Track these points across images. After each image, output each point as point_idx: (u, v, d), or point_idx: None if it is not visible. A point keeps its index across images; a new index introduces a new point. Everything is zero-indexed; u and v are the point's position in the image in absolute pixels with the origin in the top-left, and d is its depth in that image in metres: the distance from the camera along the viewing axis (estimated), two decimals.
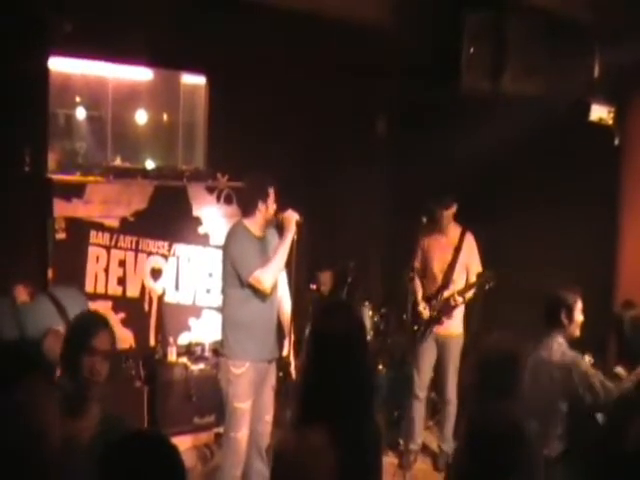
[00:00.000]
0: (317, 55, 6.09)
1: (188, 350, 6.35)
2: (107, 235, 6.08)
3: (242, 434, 4.75)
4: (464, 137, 5.82)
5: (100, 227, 6.04)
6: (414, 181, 6.57)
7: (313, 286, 6.80)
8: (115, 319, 6.10)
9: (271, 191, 4.74)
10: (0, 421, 2.16)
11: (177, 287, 6.49)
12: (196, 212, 6.51)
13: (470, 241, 5.88)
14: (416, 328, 5.90)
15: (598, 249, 5.73)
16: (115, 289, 6.16)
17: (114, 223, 6.10)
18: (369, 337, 6.26)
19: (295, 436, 2.56)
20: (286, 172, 5.80)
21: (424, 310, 5.88)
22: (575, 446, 4.09)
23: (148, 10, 5.53)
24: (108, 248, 6.10)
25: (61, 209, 5.84)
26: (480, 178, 6.06)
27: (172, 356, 6.18)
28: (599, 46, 4.99)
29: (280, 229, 4.79)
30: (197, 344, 6.41)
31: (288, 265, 4.79)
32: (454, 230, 5.91)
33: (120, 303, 6.16)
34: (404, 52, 5.16)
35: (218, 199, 6.58)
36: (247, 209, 4.81)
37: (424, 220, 6.09)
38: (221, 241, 5.02)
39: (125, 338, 6.14)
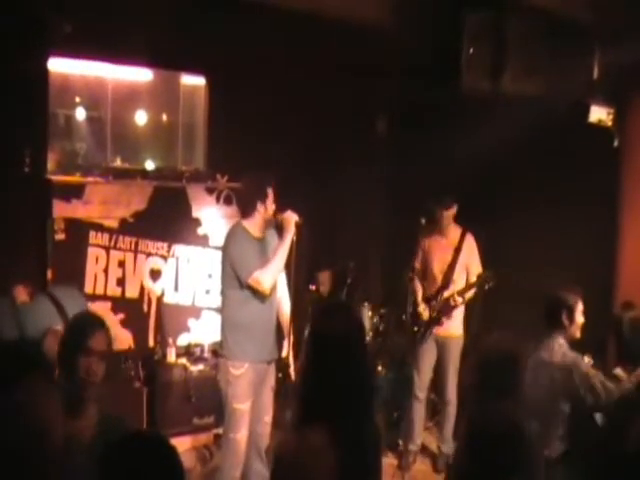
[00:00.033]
0: (317, 55, 6.09)
1: (187, 351, 6.34)
2: (106, 236, 6.08)
3: (241, 435, 4.75)
4: (464, 137, 5.82)
5: (99, 228, 6.03)
6: (414, 181, 6.57)
7: (312, 287, 6.80)
8: (114, 320, 6.10)
9: (270, 192, 4.73)
10: (1, 421, 2.16)
11: (176, 288, 6.48)
12: (196, 213, 6.51)
13: (470, 242, 5.88)
14: (416, 329, 5.90)
15: (597, 250, 5.73)
16: (114, 290, 6.15)
17: (113, 224, 6.10)
18: (368, 338, 6.26)
19: (295, 437, 2.56)
20: (286, 172, 5.79)
21: (424, 311, 5.88)
22: (575, 447, 4.09)
23: (147, 11, 5.53)
24: (107, 249, 6.09)
25: (60, 210, 5.83)
26: (480, 178, 6.06)
27: (171, 357, 6.17)
28: (599, 46, 4.99)
29: (279, 229, 4.78)
30: (196, 345, 6.40)
31: (287, 266, 4.79)
32: (454, 231, 5.90)
33: (119, 304, 6.16)
34: (404, 52, 5.16)
35: (218, 200, 6.57)
36: (246, 210, 4.81)
37: (423, 221, 6.09)
38: (221, 242, 5.01)
39: (124, 339, 6.13)
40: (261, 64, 6.19)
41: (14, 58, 5.29)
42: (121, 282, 6.18)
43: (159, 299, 6.37)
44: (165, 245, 6.37)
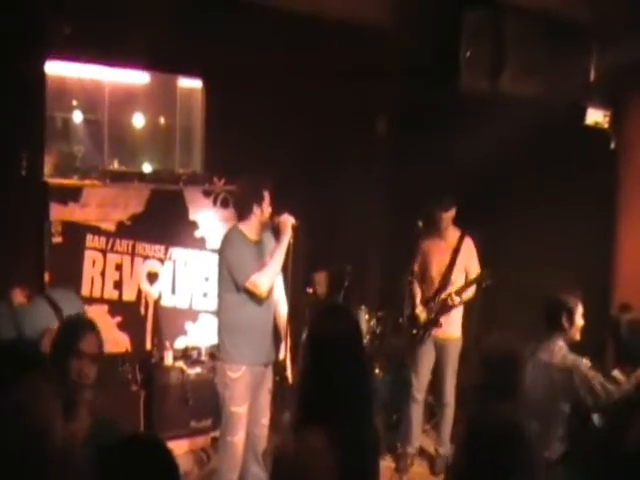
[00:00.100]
0: (316, 56, 6.09)
1: (184, 354, 6.33)
2: (103, 239, 6.08)
3: (238, 438, 4.75)
4: (464, 137, 5.83)
5: (96, 231, 6.03)
6: (414, 181, 6.59)
7: (310, 289, 6.80)
8: (111, 323, 6.10)
9: (266, 194, 4.73)
10: (1, 421, 2.16)
11: (173, 291, 6.48)
12: (193, 216, 6.51)
13: (469, 245, 5.88)
14: (415, 332, 5.89)
15: (595, 252, 5.74)
16: (111, 293, 6.15)
17: (110, 227, 6.10)
18: (365, 341, 6.26)
19: (294, 439, 2.56)
20: (284, 174, 5.80)
21: (421, 313, 5.88)
22: (575, 448, 4.09)
23: (144, 14, 5.54)
24: (104, 252, 6.09)
25: (57, 213, 5.83)
26: (479, 178, 6.06)
27: (168, 360, 6.16)
28: (596, 47, 5.00)
29: (276, 232, 4.78)
30: (193, 348, 6.40)
31: (284, 269, 4.79)
32: (453, 233, 5.90)
33: (116, 307, 6.15)
34: (404, 52, 5.16)
35: (215, 203, 6.58)
36: (242, 213, 4.80)
37: (420, 224, 6.11)
38: (218, 245, 5.01)
39: (121, 342, 6.13)
40: (258, 66, 6.19)
41: (12, 60, 5.29)
42: (118, 285, 6.18)
43: (156, 302, 6.36)
44: (162, 248, 6.37)
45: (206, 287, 6.51)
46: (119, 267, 6.17)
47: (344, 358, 2.86)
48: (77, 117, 7.36)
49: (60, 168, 6.39)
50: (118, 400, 5.39)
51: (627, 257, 5.60)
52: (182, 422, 5.96)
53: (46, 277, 5.76)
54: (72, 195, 5.91)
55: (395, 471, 5.89)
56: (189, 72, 6.92)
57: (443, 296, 5.79)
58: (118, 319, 6.15)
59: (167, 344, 6.25)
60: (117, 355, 5.90)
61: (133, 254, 6.23)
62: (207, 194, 6.56)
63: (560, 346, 4.12)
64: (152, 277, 6.35)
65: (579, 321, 4.19)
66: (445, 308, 5.79)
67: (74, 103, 7.32)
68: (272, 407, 4.98)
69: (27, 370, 2.28)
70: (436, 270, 5.91)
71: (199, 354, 6.36)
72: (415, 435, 5.99)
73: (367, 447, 2.90)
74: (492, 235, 5.84)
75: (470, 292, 5.81)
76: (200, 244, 6.53)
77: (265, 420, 4.93)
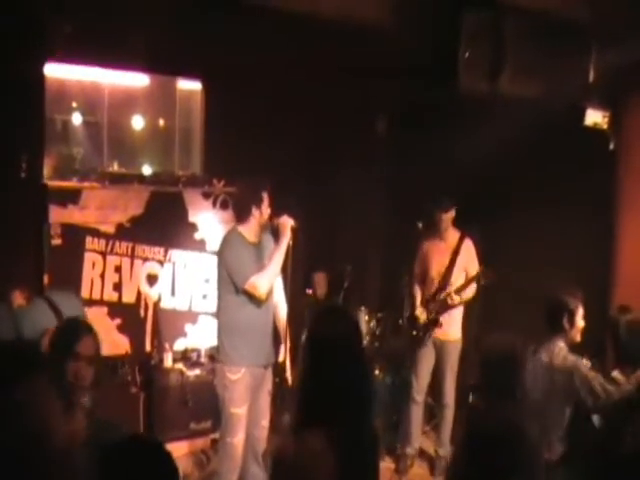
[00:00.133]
0: (316, 57, 6.08)
1: (184, 356, 6.34)
2: (103, 241, 6.08)
3: (238, 439, 4.75)
4: (463, 137, 5.83)
5: (96, 233, 6.04)
6: (414, 181, 6.59)
7: (309, 291, 6.81)
8: (111, 325, 6.11)
9: (265, 196, 4.73)
10: (1, 421, 2.16)
11: (173, 293, 6.48)
12: (192, 218, 6.51)
13: (469, 246, 5.87)
14: (415, 333, 5.89)
15: (595, 253, 5.74)
16: (111, 295, 6.15)
17: (110, 229, 6.10)
18: (365, 342, 6.27)
19: (294, 440, 2.56)
20: (284, 175, 5.81)
21: (421, 314, 5.88)
22: (575, 449, 4.10)
23: (144, 16, 5.53)
24: (104, 254, 6.10)
25: (57, 215, 5.84)
26: (479, 178, 6.05)
27: (168, 362, 6.16)
28: (596, 48, 5.00)
29: (276, 234, 4.78)
30: (193, 350, 6.40)
31: (284, 270, 4.79)
32: (453, 235, 5.90)
33: (116, 309, 6.16)
34: (403, 52, 5.16)
35: (214, 205, 6.58)
36: (241, 215, 4.80)
37: (419, 225, 6.11)
38: (217, 247, 5.01)
39: (121, 344, 6.14)
40: (258, 68, 6.18)
41: (12, 62, 5.29)
42: (118, 287, 6.18)
43: (156, 304, 6.37)
44: (162, 250, 6.37)
45: (206, 289, 6.51)
46: (119, 269, 6.18)
47: (344, 359, 2.86)
48: (76, 119, 7.36)
49: (59, 170, 6.40)
50: (118, 402, 5.42)
51: (626, 258, 5.59)
52: (182, 424, 5.96)
53: (45, 279, 5.77)
54: (71, 197, 5.92)
55: (395, 472, 5.89)
56: (188, 74, 6.92)
57: (442, 295, 5.79)
58: (118, 321, 6.16)
59: (167, 346, 6.25)
60: (117, 357, 5.91)
61: (133, 256, 6.23)
62: (207, 196, 6.57)
63: (560, 347, 4.12)
64: (152, 279, 6.35)
65: (580, 322, 4.20)
66: (445, 307, 5.78)
67: (73, 105, 7.32)
68: (272, 408, 4.98)
69: (29, 370, 2.29)
70: (436, 271, 5.91)
71: (199, 356, 6.37)
72: (415, 436, 5.99)
73: (367, 448, 2.91)
74: (491, 235, 5.84)
75: (470, 292, 5.80)
76: (200, 246, 6.53)
77: (265, 422, 4.93)
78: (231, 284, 4.68)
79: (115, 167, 7.07)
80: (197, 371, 6.16)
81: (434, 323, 5.80)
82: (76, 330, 3.20)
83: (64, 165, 6.56)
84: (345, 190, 6.94)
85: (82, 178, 6.22)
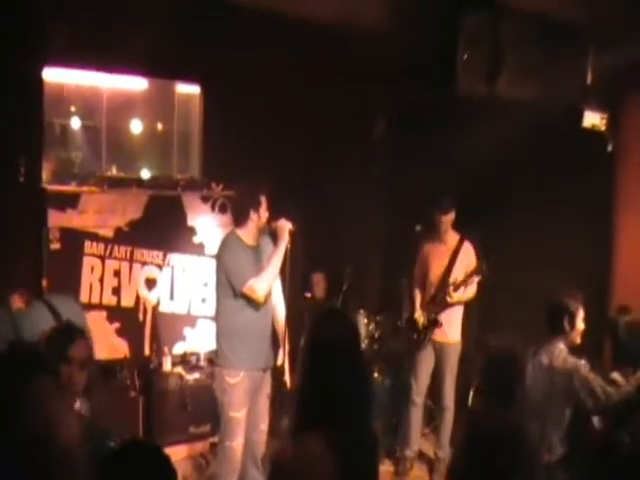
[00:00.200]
0: (314, 59, 6.08)
1: (183, 360, 6.34)
2: (102, 245, 6.08)
3: (237, 443, 4.74)
4: (463, 138, 5.83)
5: (95, 237, 6.04)
6: (413, 182, 6.59)
7: (308, 294, 6.80)
8: (110, 329, 6.11)
9: (263, 199, 4.73)
10: (10, 420, 2.17)
11: (172, 297, 6.48)
12: (191, 221, 6.51)
13: (468, 248, 5.86)
14: (415, 336, 5.89)
15: (593, 254, 5.75)
16: (110, 299, 6.15)
17: (109, 233, 6.10)
18: (364, 345, 6.27)
19: (292, 444, 2.55)
20: (283, 177, 5.81)
21: (420, 317, 5.88)
22: (575, 450, 4.10)
23: (142, 20, 5.54)
24: (103, 258, 6.10)
25: (55, 219, 5.84)
26: (478, 179, 6.06)
27: (167, 366, 6.16)
28: (594, 50, 5.01)
29: (274, 237, 4.78)
30: (192, 353, 6.40)
31: (282, 273, 4.79)
32: (452, 237, 5.90)
33: (115, 313, 6.16)
34: (402, 54, 5.17)
35: (213, 208, 6.58)
36: (239, 218, 4.80)
37: (418, 228, 6.11)
38: (216, 250, 5.01)
39: (120, 348, 6.13)
40: (256, 71, 6.19)
41: (10, 66, 5.30)
42: (116, 291, 6.18)
43: (155, 308, 6.37)
44: (160, 254, 6.37)
45: (204, 292, 6.51)
46: (117, 273, 6.18)
47: (343, 362, 2.86)
48: (75, 123, 7.37)
49: (58, 174, 6.40)
50: (117, 406, 5.42)
51: (625, 259, 5.60)
52: (181, 428, 5.95)
53: (44, 283, 5.77)
54: (70, 201, 5.92)
55: (394, 475, 5.89)
56: (187, 78, 6.93)
57: (441, 294, 5.77)
58: (116, 325, 6.16)
59: (166, 350, 6.25)
60: (115, 361, 5.92)
61: (131, 260, 6.23)
62: (205, 200, 6.56)
63: (561, 349, 4.13)
64: (150, 283, 6.35)
65: (580, 325, 4.20)
66: (443, 305, 5.78)
67: (72, 109, 7.33)
68: (271, 412, 4.98)
69: (38, 371, 2.30)
70: (435, 274, 5.90)
71: (198, 359, 6.36)
72: (414, 439, 5.99)
73: (366, 451, 2.91)
74: (491, 236, 5.83)
75: (470, 292, 5.80)
76: (198, 250, 6.53)
77: (264, 425, 4.92)
78: (229, 287, 4.68)
79: (114, 171, 7.08)
80: (196, 375, 6.15)
81: (434, 323, 5.80)
82: (68, 334, 3.21)
83: (63, 169, 6.57)
84: (344, 192, 6.93)
85: (81, 182, 6.22)
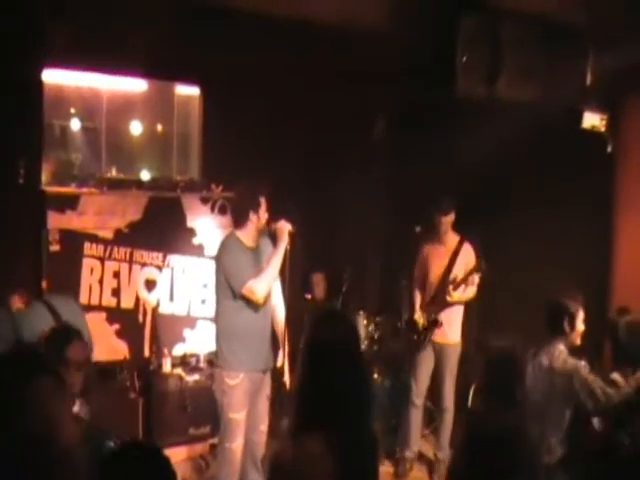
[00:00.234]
0: (314, 60, 6.09)
1: (183, 361, 6.34)
2: (101, 246, 6.08)
3: (237, 444, 4.74)
4: (463, 139, 5.84)
5: (94, 238, 6.04)
6: (413, 183, 6.59)
7: (308, 296, 6.80)
8: (109, 330, 6.11)
9: (262, 201, 4.73)
10: (5, 422, 2.18)
11: (172, 298, 6.48)
12: (190, 223, 6.51)
13: (468, 250, 5.85)
14: (416, 337, 5.88)
15: (593, 255, 5.75)
16: (109, 300, 6.15)
17: (108, 234, 6.10)
18: (363, 346, 6.26)
19: (292, 445, 2.55)
20: (283, 178, 5.80)
21: (419, 319, 5.88)
22: (575, 452, 4.10)
23: (142, 21, 5.54)
24: (102, 259, 6.10)
25: (55, 221, 5.84)
26: (478, 180, 6.06)
27: (167, 367, 6.15)
28: (592, 51, 5.02)
29: (274, 238, 4.78)
30: (192, 355, 6.40)
31: (282, 274, 4.79)
32: (452, 238, 5.89)
33: (114, 314, 6.16)
34: (402, 55, 5.18)
35: (212, 210, 6.58)
36: (239, 220, 4.80)
37: (418, 229, 6.11)
38: (215, 252, 5.01)
39: (119, 349, 6.13)
40: (255, 72, 6.19)
41: (10, 68, 5.30)
42: (116, 292, 6.18)
43: (154, 309, 6.37)
44: (160, 255, 6.37)
45: (204, 294, 6.50)
46: (117, 275, 6.18)
47: (342, 363, 2.86)
48: (75, 125, 7.37)
49: (58, 176, 6.40)
50: (117, 407, 5.42)
51: (625, 260, 5.60)
52: (181, 429, 5.95)
53: (44, 285, 5.77)
54: (70, 203, 5.92)
55: (394, 476, 5.89)
56: (186, 79, 6.93)
57: (441, 293, 5.77)
58: (116, 326, 6.15)
59: (165, 351, 6.24)
60: (115, 362, 5.91)
61: (131, 261, 6.23)
62: (205, 201, 6.57)
63: (560, 350, 4.12)
64: (150, 284, 6.35)
65: (580, 326, 4.20)
66: (443, 305, 5.77)
67: (72, 111, 7.33)
68: (270, 413, 4.98)
69: (39, 371, 2.31)
70: (435, 275, 5.90)
71: (197, 361, 6.36)
72: (414, 440, 5.98)
73: (366, 452, 2.91)
74: (491, 237, 5.83)
75: (470, 292, 5.80)
76: (198, 251, 6.53)
77: (264, 426, 4.92)
78: (229, 289, 4.68)
79: (113, 173, 7.08)
80: (196, 376, 6.15)
81: (434, 323, 5.79)
82: (65, 336, 3.21)
83: (62, 171, 6.57)
84: (344, 192, 6.93)
85: (80, 184, 6.23)
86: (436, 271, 5.89)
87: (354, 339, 3.05)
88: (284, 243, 4.65)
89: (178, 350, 6.40)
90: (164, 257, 6.39)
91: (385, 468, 5.76)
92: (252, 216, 4.72)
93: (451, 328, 5.86)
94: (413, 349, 5.93)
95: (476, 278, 5.75)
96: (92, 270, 6.07)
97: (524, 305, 5.63)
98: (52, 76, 6.16)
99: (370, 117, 7.34)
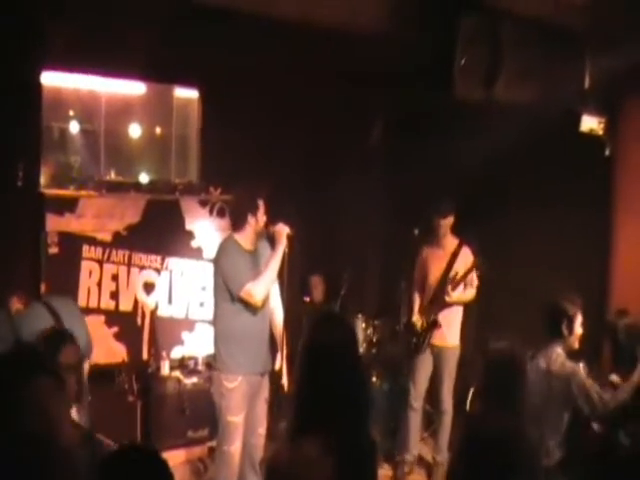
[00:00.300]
0: (312, 64, 6.09)
1: (181, 364, 6.33)
2: (100, 249, 6.08)
3: (235, 447, 4.73)
4: (461, 141, 5.83)
5: (93, 241, 6.04)
6: (412, 186, 6.59)
7: (307, 298, 6.80)
8: (108, 333, 6.10)
9: (260, 203, 4.73)
10: (12, 420, 2.18)
11: (170, 301, 6.47)
12: (189, 226, 6.51)
13: (466, 253, 5.84)
14: (415, 340, 5.88)
15: (591, 258, 5.75)
16: (108, 303, 6.15)
17: (107, 237, 6.10)
18: (362, 349, 6.26)
19: (289, 448, 2.55)
20: (281, 182, 5.80)
21: (417, 321, 5.88)
22: (573, 454, 4.09)
23: (140, 24, 5.54)
24: (101, 262, 6.09)
25: (54, 223, 5.84)
26: (477, 183, 6.06)
27: (165, 370, 6.16)
28: (590, 54, 5.02)
29: (272, 241, 4.78)
30: (190, 358, 6.40)
31: (280, 277, 4.79)
32: (451, 241, 5.89)
33: (113, 317, 6.15)
34: (403, 55, 5.18)
35: (211, 212, 6.58)
36: (237, 223, 4.80)
37: (416, 232, 6.11)
38: (213, 255, 5.01)
39: (118, 352, 6.13)
40: (254, 75, 6.20)
41: (9, 70, 5.30)
42: (115, 295, 6.18)
43: (153, 312, 6.37)
44: (159, 258, 6.37)
45: (203, 297, 6.50)
46: (115, 277, 6.17)
47: (340, 367, 2.85)
48: (74, 127, 7.37)
49: (56, 178, 6.41)
50: (115, 410, 5.42)
51: (623, 262, 5.61)
52: (179, 432, 5.95)
53: (42, 288, 5.76)
54: (68, 206, 5.92)
55: (393, 479, 5.88)
56: (185, 82, 6.93)
57: (440, 294, 5.77)
58: (115, 329, 6.15)
59: (164, 354, 6.24)
60: (114, 365, 5.91)
61: (129, 264, 6.23)
62: (203, 204, 6.57)
63: (558, 353, 4.12)
64: (148, 287, 6.35)
65: (578, 330, 4.20)
66: (442, 305, 5.77)
67: (71, 113, 7.33)
68: (269, 416, 4.98)
69: (38, 371, 2.31)
70: (434, 277, 5.89)
71: (196, 364, 6.36)
72: (413, 443, 5.97)
73: (364, 455, 2.90)
74: (489, 240, 5.83)
75: (469, 294, 5.80)
76: (196, 254, 6.53)
77: (262, 429, 4.91)
78: (227, 292, 4.68)
79: (112, 175, 7.08)
80: (194, 379, 6.15)
81: (433, 324, 5.79)
82: (58, 339, 3.21)
83: (61, 173, 6.58)
84: (343, 196, 6.93)
85: (79, 186, 6.23)
86: (435, 273, 5.89)
87: (352, 342, 3.04)
88: (282, 246, 4.65)
89: (176, 353, 6.40)
90: (163, 260, 6.38)
91: (384, 471, 5.76)
92: (250, 219, 4.72)
93: (450, 331, 5.86)
94: (412, 352, 5.93)
95: (475, 279, 5.76)
96: (91, 273, 6.06)
97: (523, 307, 5.63)
98: (51, 78, 6.16)
99: (369, 119, 7.35)
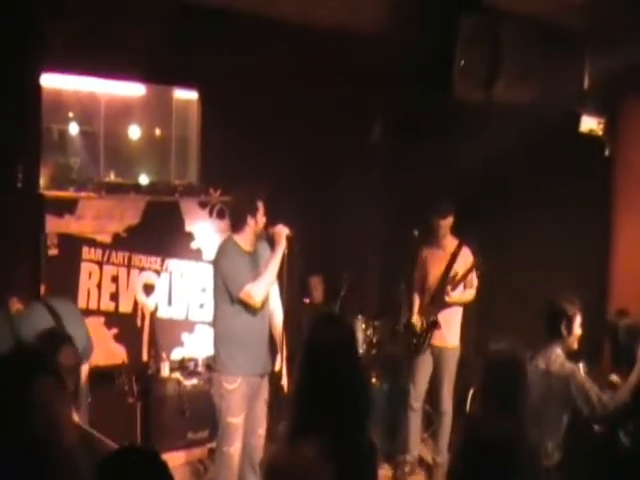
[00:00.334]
0: (312, 65, 6.09)
1: (181, 365, 6.33)
2: (99, 251, 6.07)
3: (235, 448, 4.73)
4: (461, 142, 5.83)
5: (92, 243, 6.03)
6: (412, 187, 6.59)
7: (307, 300, 6.80)
8: (108, 335, 6.10)
9: (260, 205, 4.73)
10: (13, 420, 2.18)
11: (170, 302, 6.47)
12: (189, 227, 6.51)
13: (466, 254, 5.84)
14: (415, 341, 5.88)
15: (591, 258, 5.75)
16: (108, 305, 6.14)
17: (106, 239, 6.10)
18: (362, 350, 6.26)
19: (288, 449, 2.54)
20: (280, 183, 5.79)
21: (417, 322, 5.87)
22: (573, 455, 4.09)
23: (139, 25, 5.54)
24: (100, 264, 6.09)
25: (53, 225, 5.83)
26: (476, 183, 6.06)
27: (165, 371, 6.15)
28: (590, 54, 5.02)
29: (271, 242, 4.78)
30: (190, 359, 6.39)
31: (279, 278, 4.79)
32: (451, 242, 5.89)
33: (113, 319, 6.15)
34: (402, 56, 5.18)
35: (210, 214, 6.58)
36: (236, 224, 4.80)
37: (416, 233, 6.11)
38: (213, 256, 5.00)
39: (118, 354, 6.12)
40: (254, 76, 6.19)
41: (8, 72, 5.30)
42: (114, 297, 6.17)
43: (152, 314, 6.36)
44: (158, 260, 6.37)
45: (202, 298, 6.50)
46: (115, 279, 6.17)
47: (340, 367, 2.85)
48: (73, 129, 7.37)
49: (56, 180, 6.41)
50: (115, 412, 5.41)
51: (623, 262, 5.61)
52: (179, 433, 5.95)
53: (42, 289, 5.75)
54: (68, 207, 5.91)
55: None
56: (185, 83, 6.92)
57: (440, 295, 5.77)
58: (114, 331, 6.15)
59: (164, 355, 6.24)
60: (113, 367, 5.90)
61: (129, 266, 6.22)
62: (203, 205, 6.57)
63: (558, 354, 4.12)
64: (148, 289, 6.34)
65: (577, 330, 4.19)
66: (441, 305, 5.77)
67: (70, 115, 7.33)
68: (269, 417, 4.98)
69: (40, 371, 2.31)
70: (434, 278, 5.90)
71: (196, 365, 6.36)
72: (413, 444, 5.97)
73: (364, 456, 2.89)
74: (489, 240, 5.83)
75: (469, 294, 5.80)
76: (196, 255, 6.52)
77: (262, 430, 4.91)
78: (226, 293, 4.67)
79: (112, 177, 7.08)
80: (194, 380, 6.15)
81: (433, 324, 5.79)
82: (55, 340, 3.21)
83: (61, 175, 6.58)
84: (343, 196, 6.93)
85: (79, 188, 6.22)
86: (435, 274, 5.89)
87: (352, 343, 3.04)
88: (282, 247, 4.65)
89: (176, 354, 6.40)
90: (162, 261, 6.38)
91: (384, 472, 5.75)
92: (250, 220, 4.72)
93: (450, 331, 5.86)
94: (412, 353, 5.93)
95: (475, 280, 5.76)
96: (90, 274, 6.06)
97: (523, 308, 5.63)
98: (50, 80, 6.16)
99: (369, 119, 7.34)
